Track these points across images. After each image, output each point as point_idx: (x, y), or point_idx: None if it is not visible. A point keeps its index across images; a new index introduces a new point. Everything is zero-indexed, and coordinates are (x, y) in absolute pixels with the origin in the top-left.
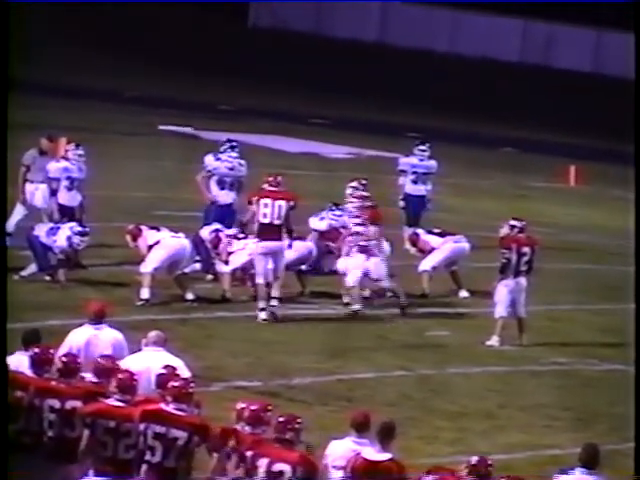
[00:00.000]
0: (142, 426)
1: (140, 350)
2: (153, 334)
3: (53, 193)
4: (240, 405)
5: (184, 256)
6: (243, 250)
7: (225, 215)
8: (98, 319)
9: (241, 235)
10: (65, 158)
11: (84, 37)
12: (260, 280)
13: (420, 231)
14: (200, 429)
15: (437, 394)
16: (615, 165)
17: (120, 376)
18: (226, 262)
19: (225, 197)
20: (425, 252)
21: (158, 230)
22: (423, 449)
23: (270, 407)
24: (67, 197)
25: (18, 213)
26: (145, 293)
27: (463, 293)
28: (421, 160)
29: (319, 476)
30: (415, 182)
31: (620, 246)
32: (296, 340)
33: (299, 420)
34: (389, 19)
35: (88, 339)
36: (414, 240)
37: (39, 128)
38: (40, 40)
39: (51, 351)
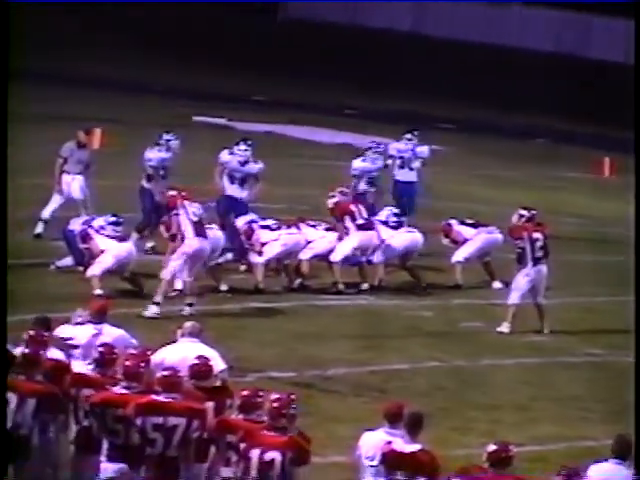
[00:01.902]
0: (139, 420)
1: (176, 341)
2: (188, 325)
3: (149, 179)
4: (243, 392)
5: (217, 247)
6: (277, 241)
7: (234, 208)
8: (99, 317)
9: (275, 226)
10: (161, 147)
11: (117, 31)
12: None
13: (453, 222)
14: (198, 413)
15: (470, 385)
16: None
17: (126, 364)
18: (259, 253)
19: (234, 191)
20: (458, 243)
21: None
22: (456, 440)
23: (261, 392)
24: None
25: (54, 202)
26: (179, 284)
27: (496, 284)
28: (406, 145)
29: (309, 458)
30: (401, 167)
31: None
32: (330, 331)
33: (293, 405)
34: (423, 10)
35: (90, 339)
36: (447, 231)
37: (79, 120)
38: (77, 35)
39: (46, 334)
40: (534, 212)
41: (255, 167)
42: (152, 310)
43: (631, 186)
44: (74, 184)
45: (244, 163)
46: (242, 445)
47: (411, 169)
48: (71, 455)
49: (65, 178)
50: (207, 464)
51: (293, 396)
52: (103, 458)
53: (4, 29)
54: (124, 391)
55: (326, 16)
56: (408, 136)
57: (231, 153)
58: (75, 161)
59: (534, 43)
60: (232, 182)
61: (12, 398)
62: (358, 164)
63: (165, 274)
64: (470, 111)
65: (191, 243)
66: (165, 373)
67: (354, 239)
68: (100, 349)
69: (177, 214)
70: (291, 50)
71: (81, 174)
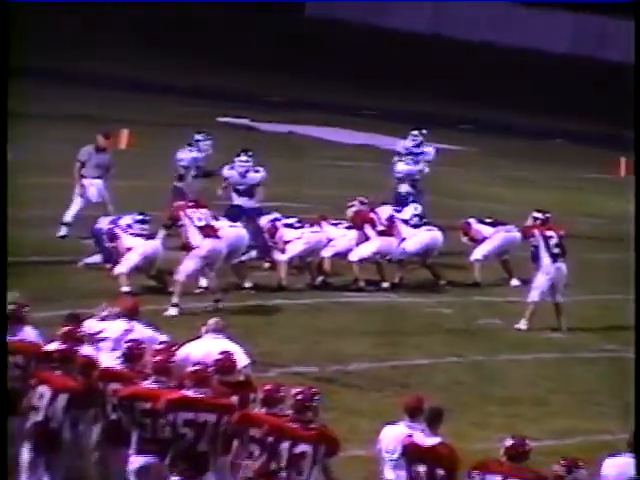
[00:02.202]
0: (170, 416)
1: (200, 337)
2: (212, 321)
3: (181, 179)
4: (266, 387)
5: (242, 245)
6: (299, 239)
7: (242, 216)
8: (131, 315)
9: (297, 224)
10: (192, 147)
11: (148, 35)
12: None
13: (472, 220)
14: (228, 408)
15: (488, 380)
16: None
17: (155, 359)
18: (282, 251)
19: (241, 202)
20: (477, 241)
21: (216, 219)
22: (475, 434)
23: (283, 387)
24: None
25: (76, 205)
26: (204, 281)
27: (514, 282)
28: (415, 145)
29: (339, 449)
30: (406, 164)
31: None
32: (351, 327)
33: (316, 397)
34: (443, 12)
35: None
36: (466, 229)
37: (107, 121)
38: (108, 38)
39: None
40: (548, 215)
41: (257, 176)
42: (171, 311)
43: None
44: (92, 188)
45: (244, 174)
46: (269, 439)
47: (416, 163)
48: (99, 448)
49: (84, 182)
50: (230, 457)
51: (315, 390)
52: (132, 451)
53: (4, 28)
54: (153, 386)
55: (347, 18)
56: (415, 133)
57: (231, 168)
58: (93, 165)
59: (549, 44)
60: (239, 195)
61: (45, 392)
62: (402, 167)
63: (178, 276)
64: (489, 112)
65: (202, 244)
66: (195, 368)
67: (374, 244)
68: (128, 344)
69: (182, 225)
70: (314, 50)
71: (100, 178)
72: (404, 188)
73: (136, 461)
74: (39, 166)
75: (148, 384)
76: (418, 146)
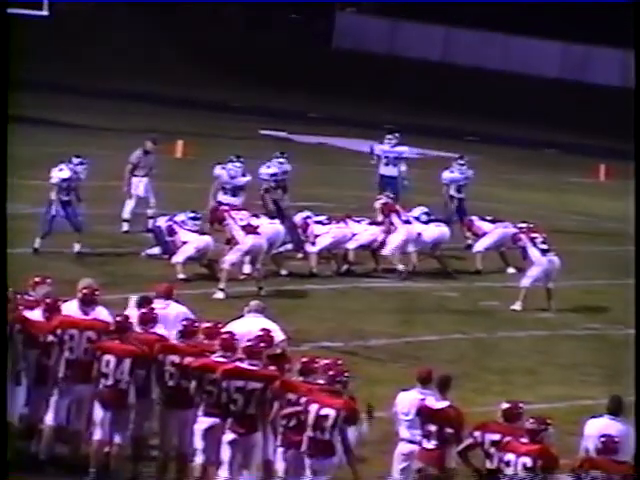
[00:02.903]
0: (224, 383)
1: (243, 316)
2: (254, 303)
3: (266, 191)
4: (302, 359)
5: (279, 238)
6: (327, 234)
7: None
8: (166, 296)
9: (326, 221)
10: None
11: (197, 56)
12: None
13: (474, 218)
14: (273, 379)
15: (488, 354)
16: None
17: (223, 337)
18: (313, 243)
19: (226, 199)
20: (478, 236)
21: (257, 217)
22: (476, 399)
23: (317, 359)
24: (274, 194)
25: (129, 204)
26: (247, 269)
27: (510, 270)
28: (391, 147)
29: (359, 419)
30: (387, 165)
31: None
32: (372, 308)
33: (346, 373)
34: (450, 42)
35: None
36: (469, 225)
37: (161, 133)
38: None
39: (155, 312)
40: (531, 225)
41: (243, 180)
42: (218, 295)
43: (624, 187)
44: (140, 185)
45: (233, 177)
46: (303, 399)
47: (394, 165)
48: (159, 409)
49: (134, 180)
50: (271, 417)
51: (340, 361)
52: (200, 413)
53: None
54: (221, 359)
55: (369, 46)
56: (389, 136)
57: (222, 168)
58: (142, 166)
59: (543, 70)
60: (225, 193)
61: (111, 359)
62: (447, 175)
63: (224, 265)
64: (493, 126)
65: (245, 241)
66: (248, 344)
67: (402, 232)
68: (184, 322)
69: (227, 224)
70: (341, 75)
71: (146, 176)
72: (451, 192)
73: (203, 422)
74: (104, 172)
75: (216, 357)
76: (394, 147)
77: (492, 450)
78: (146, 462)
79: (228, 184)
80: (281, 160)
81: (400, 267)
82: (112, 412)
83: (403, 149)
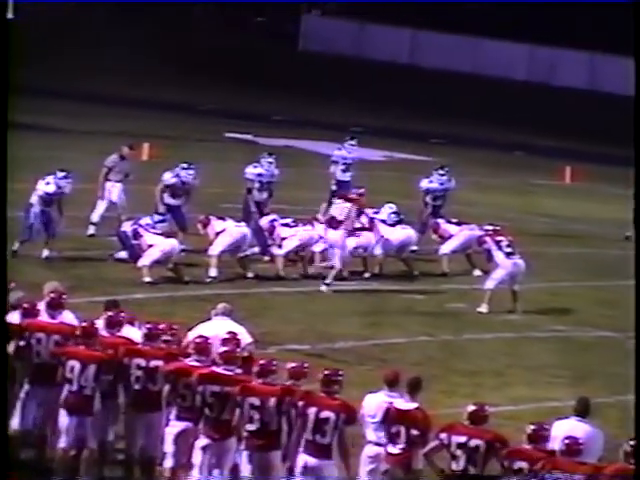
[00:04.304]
0: (200, 388)
1: (210, 319)
2: (221, 306)
3: (249, 192)
4: (290, 365)
5: (245, 241)
6: (294, 236)
7: (174, 216)
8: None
9: (293, 223)
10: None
11: (165, 58)
12: None
13: (441, 221)
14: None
15: (455, 356)
16: (604, 165)
17: (197, 340)
18: (279, 246)
19: (171, 202)
20: (445, 238)
21: (224, 220)
22: (444, 401)
23: (307, 365)
24: (258, 196)
25: (100, 207)
26: (213, 272)
27: (477, 272)
28: (349, 152)
29: (358, 419)
30: (344, 171)
31: (609, 233)
32: (339, 311)
33: (340, 373)
34: (418, 44)
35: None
36: (435, 228)
37: (128, 136)
38: (124, 59)
39: (122, 315)
40: (497, 227)
41: (194, 183)
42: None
43: (590, 190)
44: (114, 190)
45: (185, 182)
46: (301, 403)
47: (349, 171)
48: (125, 413)
49: (107, 185)
50: (234, 422)
51: (306, 364)
52: (172, 417)
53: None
54: (194, 363)
55: (336, 49)
56: (352, 142)
57: (175, 176)
58: (117, 171)
59: (511, 73)
60: (173, 197)
61: (76, 365)
62: (424, 184)
63: (211, 252)
64: (460, 129)
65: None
66: (225, 349)
67: (352, 241)
68: (147, 326)
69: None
70: (307, 77)
71: (120, 182)
72: (427, 200)
73: (176, 426)
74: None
75: (189, 361)
76: (351, 152)
77: (458, 452)
78: (112, 466)
79: (180, 189)
80: (270, 160)
81: (344, 274)
82: (77, 418)
83: (360, 153)
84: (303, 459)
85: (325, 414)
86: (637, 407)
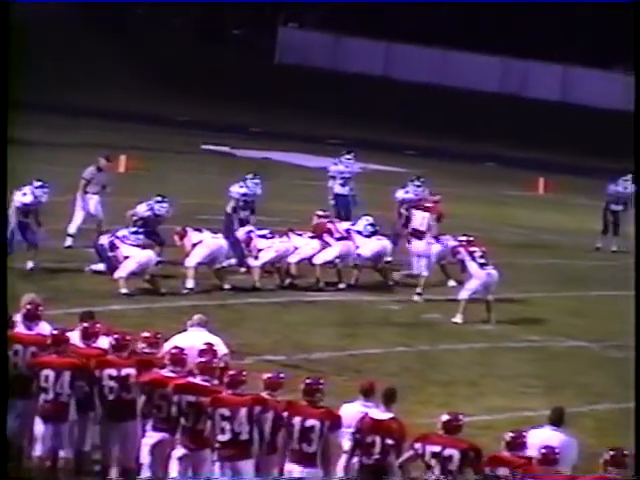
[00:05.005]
0: (176, 398)
1: (186, 330)
2: (196, 317)
3: (234, 210)
4: (266, 375)
5: (222, 253)
6: (270, 248)
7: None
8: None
9: (269, 235)
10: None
11: (147, 74)
12: None
13: None
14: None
15: (431, 366)
16: (577, 177)
17: (173, 351)
18: (256, 257)
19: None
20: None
21: (200, 231)
22: (420, 411)
23: (282, 375)
24: (242, 214)
25: (78, 219)
26: (190, 283)
27: (451, 282)
28: (347, 167)
29: (341, 425)
30: (343, 185)
31: (581, 243)
32: (315, 322)
33: (322, 382)
34: (392, 57)
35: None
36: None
37: (105, 148)
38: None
39: (97, 326)
40: (471, 238)
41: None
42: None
43: (563, 201)
44: (91, 202)
45: (158, 214)
46: (285, 414)
47: (347, 184)
48: (100, 423)
49: (86, 197)
50: (206, 432)
51: (282, 374)
52: (148, 428)
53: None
54: (170, 374)
55: (312, 61)
56: (348, 156)
57: (150, 209)
58: (95, 183)
59: (482, 85)
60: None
61: (50, 373)
62: (400, 194)
63: (187, 263)
64: (432, 141)
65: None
66: (201, 360)
67: (335, 249)
68: (115, 337)
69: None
70: (284, 89)
71: (97, 194)
72: (402, 210)
73: (152, 436)
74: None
75: (165, 372)
76: (348, 166)
77: (432, 461)
78: (88, 476)
79: (152, 221)
80: (256, 181)
81: (321, 284)
82: (53, 426)
83: (355, 168)
84: (289, 468)
85: (310, 422)
86: (637, 414)
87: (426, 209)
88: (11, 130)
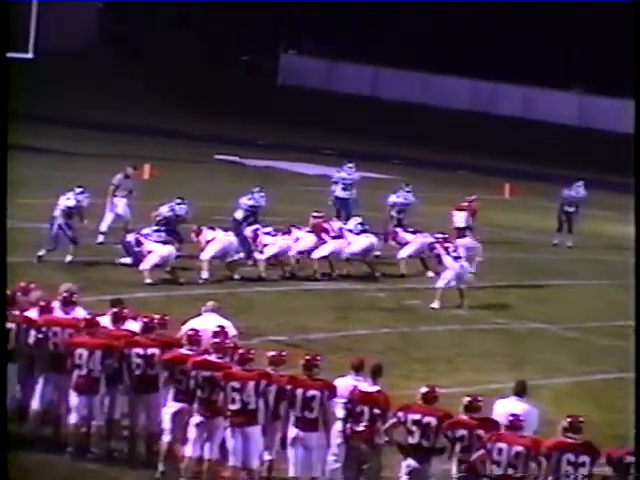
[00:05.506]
0: (194, 372)
1: (201, 315)
2: (210, 303)
3: (244, 220)
4: (270, 353)
5: (232, 248)
6: (274, 244)
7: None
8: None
9: (273, 232)
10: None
11: (165, 94)
12: None
13: (398, 229)
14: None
15: (413, 345)
16: (537, 182)
17: (189, 333)
18: (262, 252)
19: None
20: (402, 245)
21: (214, 230)
22: (403, 384)
23: (285, 353)
24: (248, 220)
25: (108, 219)
26: (205, 274)
27: (429, 273)
28: (349, 174)
29: (337, 394)
30: (344, 189)
31: (541, 240)
32: (312, 307)
33: (319, 358)
34: (379, 79)
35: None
36: (394, 236)
37: (131, 158)
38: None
39: (125, 311)
40: (447, 236)
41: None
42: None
43: (526, 203)
44: (120, 204)
45: (178, 215)
46: (289, 387)
47: (348, 189)
48: (127, 394)
49: (114, 200)
50: (219, 403)
51: (284, 352)
52: (170, 398)
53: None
54: (187, 352)
55: (309, 83)
56: (350, 165)
57: (171, 210)
58: (123, 188)
59: (455, 103)
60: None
61: (83, 352)
62: (392, 199)
63: (202, 257)
64: (414, 151)
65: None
66: (217, 340)
67: (330, 245)
68: (143, 319)
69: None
70: (285, 107)
71: (125, 198)
72: (393, 213)
73: (172, 406)
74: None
75: (184, 351)
76: (350, 174)
77: (413, 428)
78: (118, 440)
79: (173, 221)
80: (261, 194)
81: (317, 275)
82: (86, 398)
83: (356, 175)
84: (294, 432)
85: (311, 393)
86: (637, 415)
87: (462, 209)
88: (55, 144)
